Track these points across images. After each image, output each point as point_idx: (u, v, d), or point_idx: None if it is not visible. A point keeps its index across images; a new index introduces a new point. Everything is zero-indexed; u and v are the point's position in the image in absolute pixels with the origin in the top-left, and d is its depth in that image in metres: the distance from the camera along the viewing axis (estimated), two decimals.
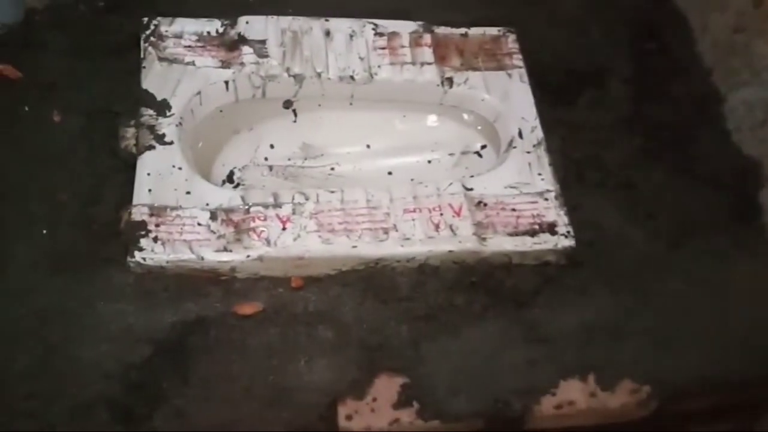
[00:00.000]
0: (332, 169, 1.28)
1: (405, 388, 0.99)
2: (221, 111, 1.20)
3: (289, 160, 1.27)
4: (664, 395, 1.04)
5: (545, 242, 1.09)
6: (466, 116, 1.28)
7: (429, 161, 1.30)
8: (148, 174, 1.05)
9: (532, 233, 1.10)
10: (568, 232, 1.10)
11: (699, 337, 1.08)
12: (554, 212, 1.12)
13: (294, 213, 1.05)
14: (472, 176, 1.18)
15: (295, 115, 1.26)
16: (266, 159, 1.26)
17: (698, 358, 1.07)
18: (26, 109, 1.12)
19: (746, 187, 1.23)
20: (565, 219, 1.11)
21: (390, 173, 1.28)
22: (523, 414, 1.00)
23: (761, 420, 1.23)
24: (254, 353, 0.98)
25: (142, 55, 1.16)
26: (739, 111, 1.29)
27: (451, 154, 1.30)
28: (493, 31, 1.30)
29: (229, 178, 1.23)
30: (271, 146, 1.26)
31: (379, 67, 1.22)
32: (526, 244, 1.09)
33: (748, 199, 1.23)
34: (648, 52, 1.39)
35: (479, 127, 1.28)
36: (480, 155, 1.29)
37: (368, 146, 1.29)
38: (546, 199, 1.13)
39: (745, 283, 1.14)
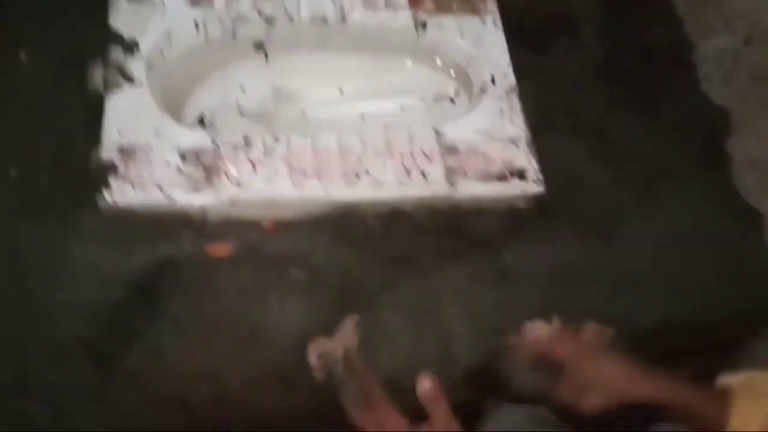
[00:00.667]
0: (304, 112, 1.27)
1: (371, 326, 1.01)
2: (191, 52, 1.18)
3: (260, 103, 1.25)
4: (627, 337, 1.07)
5: (515, 188, 1.11)
6: (439, 61, 1.27)
7: (402, 106, 1.29)
8: (118, 115, 1.04)
9: (503, 178, 1.11)
10: (538, 178, 1.12)
11: (663, 281, 1.11)
12: (525, 158, 1.13)
13: (265, 155, 1.05)
14: (444, 122, 1.19)
15: (267, 57, 1.24)
16: (237, 102, 1.24)
17: (662, 301, 1.10)
18: None
19: (714, 135, 1.25)
20: (536, 165, 1.13)
21: (363, 118, 1.27)
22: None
23: (726, 363, 1.27)
24: (226, 294, 0.99)
25: None
26: (709, 60, 1.30)
27: (423, 100, 1.30)
28: None
29: (200, 121, 1.21)
30: (242, 89, 1.25)
31: (351, 9, 1.21)
32: (495, 189, 1.10)
33: (715, 147, 1.26)
34: (622, 1, 1.39)
35: (452, 72, 1.27)
36: (453, 101, 1.29)
37: (341, 90, 1.28)
38: (517, 146, 1.14)
39: (709, 229, 1.17)
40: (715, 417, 0.69)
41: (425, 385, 0.69)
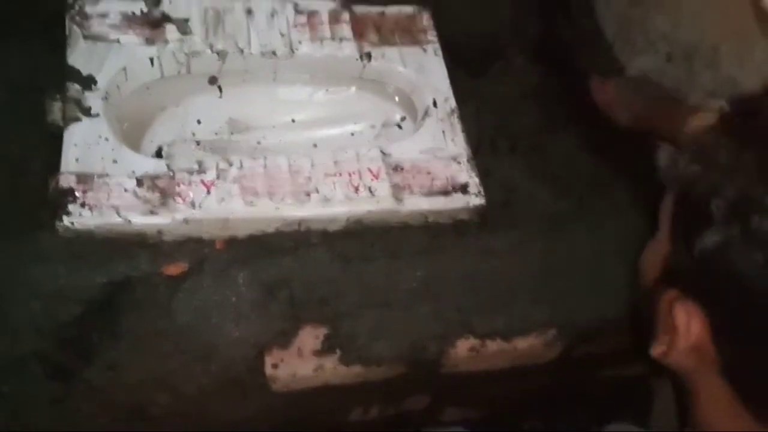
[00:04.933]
0: (258, 142, 1.33)
1: (328, 338, 1.05)
2: (147, 87, 1.24)
3: (216, 134, 1.31)
4: (569, 336, 1.13)
5: (458, 201, 1.17)
6: (385, 89, 1.35)
7: (352, 133, 1.36)
8: (75, 144, 1.08)
9: (446, 193, 1.17)
10: (479, 191, 1.18)
11: (600, 284, 1.17)
12: (466, 174, 1.20)
13: (218, 178, 1.10)
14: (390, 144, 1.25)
15: (221, 90, 1.31)
16: (193, 134, 1.30)
17: (599, 302, 1.15)
18: None
19: (642, 149, 1.33)
20: (476, 180, 1.19)
21: (315, 145, 1.34)
22: (440, 356, 1.08)
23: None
24: (181, 310, 1.03)
25: (67, 33, 1.19)
26: None
27: (372, 126, 1.37)
28: (408, 9, 1.38)
29: (158, 154, 1.27)
30: (198, 121, 1.31)
31: (300, 42, 1.28)
32: (440, 203, 1.17)
33: (644, 159, 1.33)
34: (555, 25, 1.49)
35: (397, 99, 1.35)
36: (400, 127, 1.37)
37: (293, 120, 1.35)
38: (459, 163, 1.21)
39: (642, 236, 1.23)
40: None
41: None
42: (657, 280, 0.76)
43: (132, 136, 1.23)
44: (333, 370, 1.04)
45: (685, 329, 0.67)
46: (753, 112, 0.65)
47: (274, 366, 1.03)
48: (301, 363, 1.03)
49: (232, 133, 1.33)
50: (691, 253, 0.63)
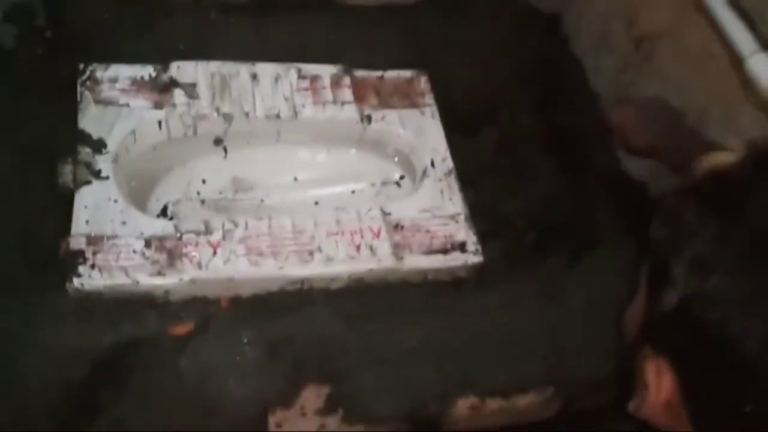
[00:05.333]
0: (262, 201, 1.37)
1: (330, 397, 1.07)
2: (155, 149, 1.28)
3: (220, 193, 1.35)
4: (567, 392, 1.15)
5: (456, 259, 1.21)
6: (385, 150, 1.39)
7: (353, 191, 1.40)
8: (86, 206, 1.12)
9: (445, 251, 1.21)
10: (477, 249, 1.22)
11: (596, 340, 1.19)
12: (464, 232, 1.24)
13: (224, 238, 1.13)
14: (391, 204, 1.29)
15: (226, 151, 1.35)
16: (198, 193, 1.34)
17: (595, 358, 1.18)
18: None
19: (635, 206, 1.37)
20: (474, 238, 1.23)
21: (317, 203, 1.37)
22: (441, 415, 1.09)
23: None
24: (187, 370, 1.05)
25: (78, 98, 1.24)
26: None
27: (372, 185, 1.41)
28: (407, 73, 1.43)
29: (163, 212, 1.30)
30: (203, 181, 1.35)
31: (303, 106, 1.33)
32: (439, 261, 1.20)
33: (639, 217, 1.37)
34: (549, 90, 1.54)
35: (396, 159, 1.39)
36: (399, 185, 1.41)
37: (295, 179, 1.39)
38: (457, 221, 1.25)
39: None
40: None
41: None
42: (636, 338, 0.79)
43: (139, 195, 1.27)
44: (336, 429, 1.05)
45: (656, 385, 0.70)
46: (723, 179, 0.69)
47: (278, 425, 1.05)
48: (304, 422, 1.05)
49: (236, 192, 1.37)
50: (659, 311, 0.67)
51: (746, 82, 1.12)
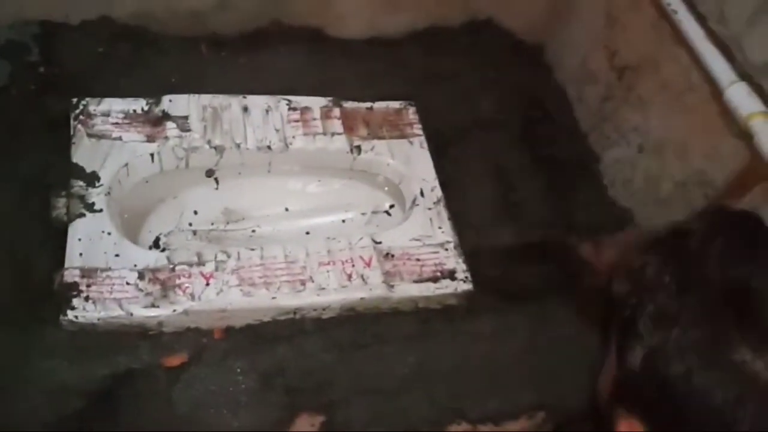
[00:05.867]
0: (253, 231, 1.38)
1: (323, 426, 1.08)
2: (147, 181, 1.29)
3: (212, 224, 1.37)
4: (557, 418, 1.16)
5: (446, 287, 1.22)
6: (375, 179, 1.41)
7: (343, 220, 1.42)
8: (79, 239, 1.13)
9: (435, 279, 1.23)
10: (467, 277, 1.24)
11: (585, 366, 1.21)
12: (453, 260, 1.26)
13: (217, 269, 1.15)
14: (381, 232, 1.31)
15: (217, 183, 1.37)
16: (190, 224, 1.35)
17: (585, 384, 1.19)
18: None
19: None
20: (463, 266, 1.25)
21: (308, 233, 1.39)
22: None
23: None
24: (181, 401, 1.05)
25: (72, 132, 1.25)
26: (612, 168, 1.48)
27: (363, 214, 1.43)
28: (395, 104, 1.46)
29: (156, 243, 1.31)
30: (195, 212, 1.36)
31: (293, 137, 1.35)
32: (429, 289, 1.22)
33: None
34: (534, 119, 1.58)
35: (386, 189, 1.41)
36: (389, 214, 1.43)
37: (287, 209, 1.41)
38: (446, 249, 1.27)
39: None
40: None
41: None
42: (609, 397, 0.79)
43: (131, 226, 1.28)
44: None
45: None
46: (682, 234, 0.68)
47: None
48: None
49: (227, 223, 1.38)
50: (627, 367, 0.66)
51: (726, 112, 1.15)
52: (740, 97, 1.11)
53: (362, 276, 1.19)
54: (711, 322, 0.61)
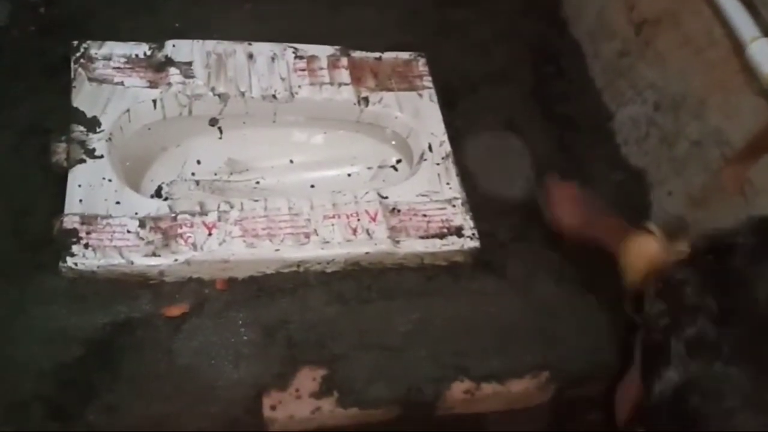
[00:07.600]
0: (257, 182, 1.35)
1: (325, 380, 1.07)
2: (149, 128, 1.26)
3: (215, 174, 1.34)
4: (560, 379, 1.15)
5: (453, 244, 1.20)
6: (382, 133, 1.38)
7: (349, 174, 1.39)
8: (79, 186, 1.11)
9: (441, 236, 1.20)
10: (474, 234, 1.21)
11: (590, 328, 1.19)
12: (461, 217, 1.23)
13: (219, 220, 1.12)
14: (387, 187, 1.28)
15: (221, 132, 1.34)
16: (193, 174, 1.33)
17: (590, 346, 1.18)
18: None
19: (634, 192, 1.37)
20: (471, 223, 1.22)
21: (312, 186, 1.36)
22: (436, 399, 1.09)
23: None
24: (181, 352, 1.04)
25: (72, 76, 1.22)
26: (626, 126, 1.44)
27: (369, 168, 1.40)
28: (404, 55, 1.42)
29: (158, 193, 1.29)
30: (198, 162, 1.33)
31: (299, 86, 1.31)
32: (435, 245, 1.19)
33: (636, 201, 1.37)
34: (547, 75, 1.53)
35: (393, 142, 1.38)
36: (396, 169, 1.40)
37: (291, 161, 1.38)
38: (453, 206, 1.24)
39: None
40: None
41: None
42: (629, 418, 0.75)
43: (133, 175, 1.26)
44: (330, 412, 1.05)
45: None
46: (725, 251, 0.62)
47: (272, 408, 1.04)
48: (298, 405, 1.05)
49: (231, 174, 1.36)
50: (654, 395, 0.61)
51: (747, 69, 1.11)
52: (763, 53, 1.07)
53: (367, 230, 1.17)
54: (758, 357, 0.55)
